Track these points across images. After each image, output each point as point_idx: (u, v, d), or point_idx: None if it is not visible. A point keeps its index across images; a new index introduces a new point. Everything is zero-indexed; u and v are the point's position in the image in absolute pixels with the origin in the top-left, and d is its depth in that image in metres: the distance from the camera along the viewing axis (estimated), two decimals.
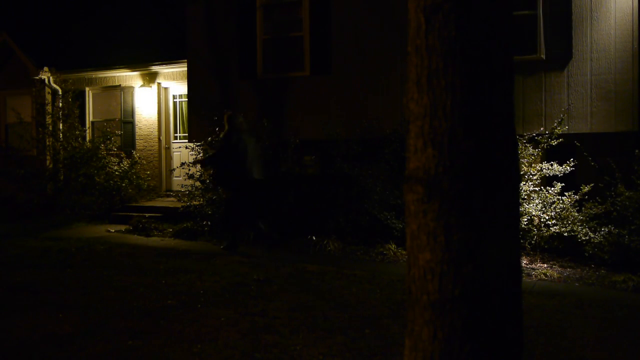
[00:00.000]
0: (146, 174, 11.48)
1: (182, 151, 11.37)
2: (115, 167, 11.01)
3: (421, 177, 1.82)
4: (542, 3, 7.71)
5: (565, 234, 6.75)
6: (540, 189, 7.02)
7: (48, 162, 11.82)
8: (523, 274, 5.52)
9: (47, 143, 11.79)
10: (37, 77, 12.20)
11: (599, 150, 7.41)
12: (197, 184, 8.90)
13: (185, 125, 11.45)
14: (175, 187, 11.53)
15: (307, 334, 4.03)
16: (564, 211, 6.80)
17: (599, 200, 6.87)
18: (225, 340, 3.92)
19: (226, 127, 7.43)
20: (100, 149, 11.13)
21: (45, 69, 12.20)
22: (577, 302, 4.98)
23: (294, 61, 9.29)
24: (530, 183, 7.07)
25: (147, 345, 3.81)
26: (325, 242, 7.39)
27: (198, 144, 9.19)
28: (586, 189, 6.89)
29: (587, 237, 6.59)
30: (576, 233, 6.68)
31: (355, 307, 4.72)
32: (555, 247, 6.92)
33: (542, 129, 7.57)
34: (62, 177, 11.24)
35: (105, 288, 5.34)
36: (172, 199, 10.61)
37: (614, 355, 3.75)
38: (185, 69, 10.38)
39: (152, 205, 10.22)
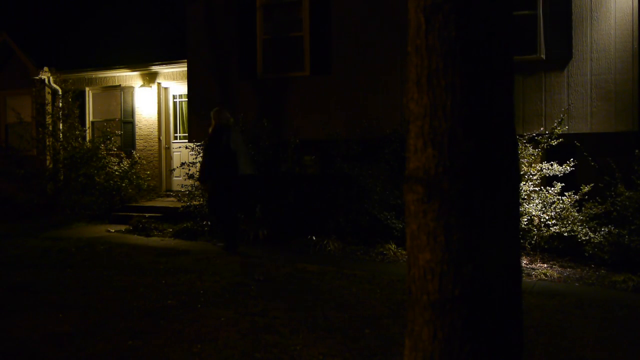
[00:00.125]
0: (146, 174, 11.48)
1: (182, 151, 11.38)
2: (115, 167, 11.02)
3: (421, 177, 1.82)
4: (542, 3, 7.71)
5: (565, 234, 6.75)
6: (540, 189, 7.02)
7: (48, 162, 11.82)
8: (523, 274, 5.52)
9: (47, 143, 11.79)
10: (37, 77, 12.20)
11: (599, 150, 7.41)
12: (197, 183, 8.90)
13: (185, 125, 11.46)
14: (175, 187, 11.53)
15: (307, 334, 4.03)
16: (564, 211, 6.80)
17: (599, 200, 6.87)
18: (225, 340, 3.92)
19: (213, 123, 7.40)
20: (100, 149, 11.13)
21: (45, 69, 12.20)
22: (577, 302, 4.98)
23: (294, 61, 9.29)
24: (530, 183, 7.07)
25: (147, 345, 3.81)
26: (325, 242, 7.39)
27: (198, 144, 9.20)
28: (586, 189, 6.89)
29: (587, 237, 6.59)
30: (576, 233, 6.68)
31: (355, 307, 4.72)
32: (555, 247, 6.92)
33: (542, 129, 7.57)
34: (62, 177, 11.24)
35: (105, 288, 5.34)
36: (172, 199, 10.61)
37: (614, 355, 3.75)
38: (185, 69, 10.38)
39: (152, 205, 10.22)
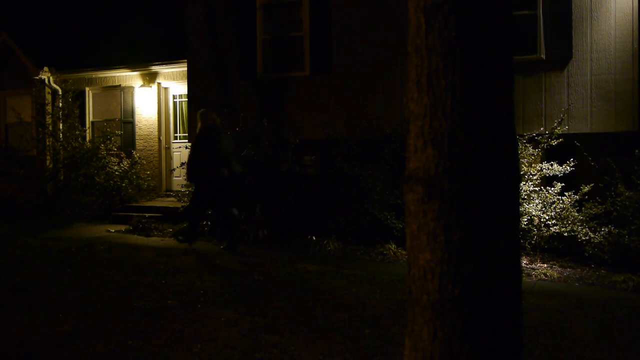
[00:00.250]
0: (146, 174, 11.48)
1: (182, 151, 11.37)
2: (115, 167, 11.02)
3: (421, 177, 1.82)
4: (542, 3, 7.71)
5: (565, 234, 6.75)
6: (540, 189, 7.02)
7: (48, 162, 11.81)
8: (523, 274, 5.52)
9: (47, 143, 11.79)
10: (37, 77, 12.20)
11: (599, 150, 7.41)
12: None
13: (185, 125, 11.46)
14: (175, 187, 11.53)
15: (307, 334, 4.03)
16: (564, 211, 6.80)
17: (599, 200, 6.87)
18: (225, 340, 3.92)
19: (199, 124, 7.43)
20: (100, 149, 11.13)
21: (45, 69, 12.20)
22: (577, 302, 4.98)
23: (294, 61, 9.29)
24: (530, 183, 7.07)
25: (147, 345, 3.81)
26: (325, 242, 7.39)
27: None
28: (586, 189, 6.89)
29: (587, 237, 6.59)
30: (576, 233, 6.68)
31: (355, 307, 4.72)
32: (555, 247, 6.92)
33: (542, 129, 7.57)
34: (62, 177, 11.24)
35: (105, 288, 5.34)
36: (172, 199, 10.60)
37: (614, 355, 3.75)
38: (185, 69, 10.38)
39: (152, 205, 10.22)
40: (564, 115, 7.49)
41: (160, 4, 12.95)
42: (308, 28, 9.12)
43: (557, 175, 7.04)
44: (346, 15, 8.89)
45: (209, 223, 8.37)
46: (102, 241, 7.92)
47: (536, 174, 7.10)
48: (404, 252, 6.93)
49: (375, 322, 4.31)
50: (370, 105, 8.70)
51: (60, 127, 11.75)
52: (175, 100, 11.99)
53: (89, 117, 12.58)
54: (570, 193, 6.89)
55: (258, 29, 9.47)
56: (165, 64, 11.49)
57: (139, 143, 11.97)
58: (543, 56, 7.73)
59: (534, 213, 6.84)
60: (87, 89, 12.54)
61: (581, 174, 7.32)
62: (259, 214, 7.99)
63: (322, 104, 9.04)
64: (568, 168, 7.03)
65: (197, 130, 7.45)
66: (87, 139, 11.95)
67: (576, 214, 6.77)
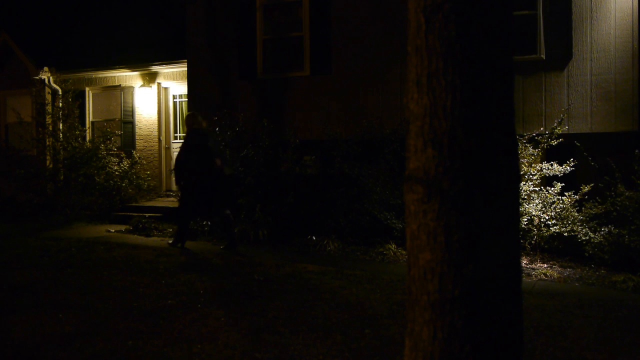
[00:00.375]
0: (146, 174, 11.48)
1: None
2: (115, 167, 11.02)
3: (421, 177, 1.82)
4: (542, 3, 7.71)
5: (565, 234, 6.75)
6: (540, 189, 7.02)
7: (48, 162, 11.81)
8: (523, 274, 5.52)
9: (47, 143, 11.78)
10: (37, 77, 12.20)
11: (599, 150, 7.41)
12: None
13: (185, 126, 11.44)
14: (175, 187, 11.51)
15: (307, 334, 4.03)
16: (564, 211, 6.80)
17: (599, 200, 6.88)
18: (225, 340, 3.92)
19: (187, 128, 7.54)
20: (100, 149, 11.12)
21: (45, 69, 12.20)
22: (577, 302, 4.98)
23: (294, 61, 9.30)
24: (530, 183, 7.07)
25: (147, 345, 3.81)
26: (325, 242, 7.39)
27: None
28: (586, 189, 6.89)
29: (587, 237, 6.59)
30: (576, 233, 6.69)
31: (355, 307, 4.72)
32: (555, 247, 6.92)
33: (542, 129, 7.57)
34: (62, 177, 11.23)
35: (105, 288, 5.34)
36: (172, 199, 10.61)
37: (614, 355, 3.75)
38: (185, 69, 10.39)
39: (152, 205, 10.22)
40: (564, 115, 7.49)
41: (160, 4, 12.94)
42: (308, 28, 9.12)
43: (557, 175, 7.05)
44: (346, 15, 8.89)
45: (208, 223, 8.38)
46: (102, 241, 7.92)
47: (536, 174, 7.10)
48: (404, 252, 6.93)
49: (375, 322, 4.31)
50: (370, 105, 8.70)
51: (60, 127, 11.75)
52: (175, 100, 11.99)
53: (89, 117, 12.58)
54: (570, 193, 6.90)
55: (258, 29, 9.47)
56: (165, 64, 11.49)
57: (139, 143, 11.97)
58: (543, 56, 7.73)
59: (534, 213, 6.84)
60: (87, 89, 12.54)
61: (581, 174, 7.32)
62: (259, 214, 7.99)
63: (322, 104, 9.04)
64: (568, 168, 7.04)
65: (185, 134, 7.53)
66: (87, 139, 11.95)
67: (576, 214, 6.78)
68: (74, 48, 13.20)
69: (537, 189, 7.04)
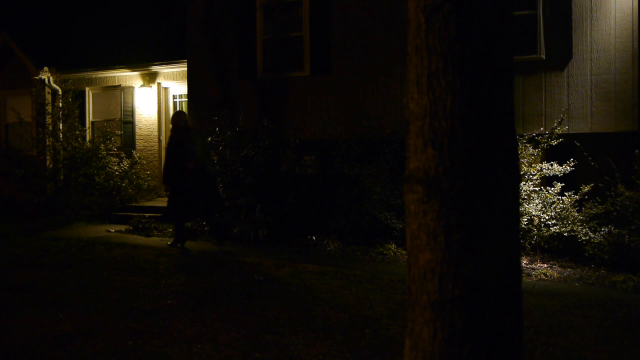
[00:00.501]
0: (146, 174, 11.48)
1: None
2: (115, 167, 11.02)
3: (421, 177, 1.82)
4: (542, 3, 7.71)
5: (565, 234, 6.75)
6: (540, 189, 7.02)
7: (48, 162, 11.81)
8: (523, 274, 5.52)
9: (47, 143, 11.79)
10: (37, 77, 12.20)
11: (599, 150, 7.41)
12: None
13: None
14: None
15: (307, 334, 4.03)
16: (564, 211, 6.80)
17: (599, 200, 6.88)
18: (225, 340, 3.92)
19: (172, 126, 7.56)
20: (100, 149, 11.13)
21: (45, 69, 12.20)
22: (577, 302, 4.98)
23: (294, 61, 9.30)
24: (530, 183, 7.07)
25: (147, 345, 3.81)
26: (325, 242, 7.39)
27: None
28: (586, 189, 6.89)
29: (587, 237, 6.59)
30: (576, 233, 6.69)
31: (355, 307, 4.72)
32: (555, 247, 6.92)
33: (542, 129, 7.57)
34: (62, 177, 11.24)
35: (105, 288, 5.34)
36: None
37: (614, 355, 3.75)
38: (185, 69, 10.39)
39: (152, 205, 10.22)
40: (564, 115, 7.49)
41: (160, 4, 12.95)
42: (308, 28, 9.12)
43: (557, 175, 7.05)
44: (346, 15, 8.89)
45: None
46: (102, 241, 7.92)
47: (536, 174, 7.10)
48: (404, 252, 6.93)
49: (375, 322, 4.31)
50: (370, 105, 8.70)
51: (60, 127, 11.75)
52: (175, 100, 11.99)
53: (89, 117, 12.58)
54: (570, 193, 6.90)
55: (258, 29, 9.47)
56: (165, 64, 11.49)
57: (139, 143, 11.97)
58: (543, 56, 7.73)
59: (534, 213, 6.84)
60: (87, 89, 12.54)
61: (581, 174, 7.32)
62: (259, 214, 7.99)
63: (322, 104, 9.04)
64: (568, 168, 7.04)
65: (170, 133, 7.61)
66: (87, 139, 11.95)
67: (576, 214, 6.78)
68: (74, 48, 13.20)
69: (537, 189, 7.04)
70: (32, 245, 7.72)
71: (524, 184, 7.05)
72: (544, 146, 7.27)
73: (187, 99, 10.55)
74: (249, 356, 3.64)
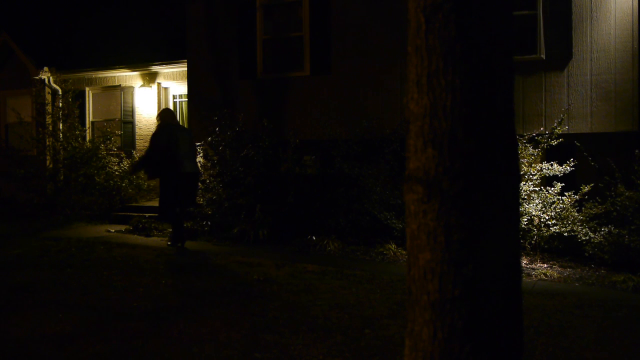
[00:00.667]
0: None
1: None
2: (115, 167, 11.02)
3: (421, 177, 1.82)
4: (542, 3, 7.71)
5: (565, 234, 6.75)
6: (540, 189, 7.02)
7: (48, 162, 11.81)
8: (523, 274, 5.52)
9: (47, 143, 11.79)
10: (37, 77, 12.20)
11: (599, 150, 7.41)
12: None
13: (186, 125, 11.45)
14: None
15: (307, 334, 4.03)
16: (564, 211, 6.80)
17: (599, 200, 6.88)
18: (225, 340, 3.92)
19: (158, 123, 7.57)
20: (100, 149, 11.13)
21: (45, 69, 12.20)
22: (577, 302, 4.97)
23: (293, 61, 9.30)
24: (530, 183, 7.07)
25: (147, 345, 3.81)
26: (325, 242, 7.39)
27: (198, 144, 9.19)
28: (586, 189, 6.89)
29: (587, 237, 6.59)
30: (576, 233, 6.68)
31: (355, 307, 4.72)
32: (555, 247, 6.92)
33: (542, 129, 7.57)
34: (62, 177, 11.24)
35: (105, 288, 5.34)
36: None
37: (614, 355, 3.75)
38: (185, 69, 10.39)
39: (152, 205, 10.22)
40: (564, 115, 7.49)
41: (160, 4, 12.95)
42: (308, 28, 9.12)
43: (557, 175, 7.05)
44: (346, 15, 8.89)
45: (208, 223, 8.38)
46: (102, 241, 7.92)
47: (536, 174, 7.10)
48: (404, 252, 6.93)
49: (375, 322, 4.31)
50: (370, 105, 8.70)
51: (60, 127, 11.75)
52: (175, 100, 11.99)
53: (89, 117, 12.58)
54: (570, 193, 6.90)
55: (258, 29, 9.47)
56: (165, 64, 11.49)
57: (139, 143, 11.98)
58: (543, 56, 7.73)
59: (534, 213, 6.84)
60: (87, 89, 12.55)
61: (581, 174, 7.32)
62: (259, 214, 7.99)
63: (322, 104, 9.04)
64: (568, 168, 7.04)
65: (155, 130, 7.63)
66: (87, 139, 11.95)
67: (576, 214, 6.78)
68: (74, 48, 13.20)
69: (537, 189, 7.04)
70: (32, 245, 7.72)
71: (524, 184, 7.05)
72: (544, 146, 7.27)
73: (187, 99, 10.56)
74: (249, 356, 3.64)
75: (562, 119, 7.40)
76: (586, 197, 6.92)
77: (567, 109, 7.62)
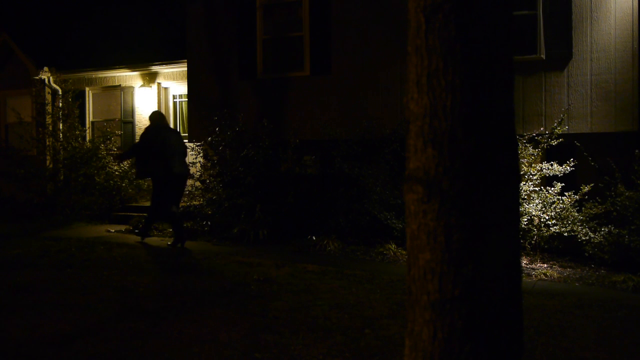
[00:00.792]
0: None
1: None
2: (115, 167, 11.01)
3: (421, 177, 1.82)
4: (542, 3, 7.71)
5: (565, 234, 6.75)
6: (540, 189, 7.02)
7: (48, 162, 11.81)
8: (523, 274, 5.52)
9: (47, 143, 11.79)
10: (37, 77, 12.20)
11: (599, 150, 7.41)
12: (197, 184, 8.90)
13: (185, 125, 11.46)
14: None
15: (307, 334, 4.03)
16: (564, 211, 6.81)
17: (599, 200, 6.88)
18: (225, 340, 3.92)
19: (149, 123, 7.67)
20: (101, 149, 11.13)
21: (45, 69, 12.19)
22: (577, 302, 4.98)
23: (294, 61, 9.30)
24: (530, 183, 7.07)
25: (147, 346, 3.81)
26: (325, 242, 7.39)
27: (198, 144, 9.20)
28: (586, 189, 6.89)
29: (587, 237, 6.59)
30: (576, 233, 6.69)
31: (355, 307, 4.72)
32: (555, 247, 6.92)
33: (542, 129, 7.57)
34: (62, 177, 11.24)
35: (105, 288, 5.34)
36: None
37: (614, 355, 3.75)
38: (185, 69, 10.39)
39: None
40: (564, 115, 7.49)
41: (160, 4, 12.96)
42: (308, 28, 9.12)
43: (557, 175, 7.05)
44: (346, 15, 8.89)
45: (208, 223, 8.38)
46: (102, 241, 7.92)
47: (536, 174, 7.10)
48: (404, 252, 6.93)
49: (375, 322, 4.31)
50: (370, 105, 8.70)
51: (60, 127, 11.75)
52: (175, 100, 11.99)
53: (89, 117, 12.58)
54: (570, 193, 6.90)
55: (258, 29, 9.47)
56: (165, 64, 11.49)
57: None
58: (543, 56, 7.73)
59: (534, 213, 6.84)
60: (87, 89, 12.55)
61: (581, 174, 7.32)
62: (259, 214, 7.99)
63: (322, 104, 9.04)
64: (568, 168, 7.04)
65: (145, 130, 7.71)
66: (87, 139, 11.95)
67: (576, 214, 6.78)
68: (74, 48, 13.19)
69: (537, 189, 7.04)
70: (32, 245, 7.71)
71: (524, 184, 7.05)
72: (544, 146, 7.27)
73: (187, 99, 10.56)
74: (249, 356, 3.64)
75: (562, 119, 7.40)
76: (586, 197, 6.92)
77: (567, 109, 7.62)
